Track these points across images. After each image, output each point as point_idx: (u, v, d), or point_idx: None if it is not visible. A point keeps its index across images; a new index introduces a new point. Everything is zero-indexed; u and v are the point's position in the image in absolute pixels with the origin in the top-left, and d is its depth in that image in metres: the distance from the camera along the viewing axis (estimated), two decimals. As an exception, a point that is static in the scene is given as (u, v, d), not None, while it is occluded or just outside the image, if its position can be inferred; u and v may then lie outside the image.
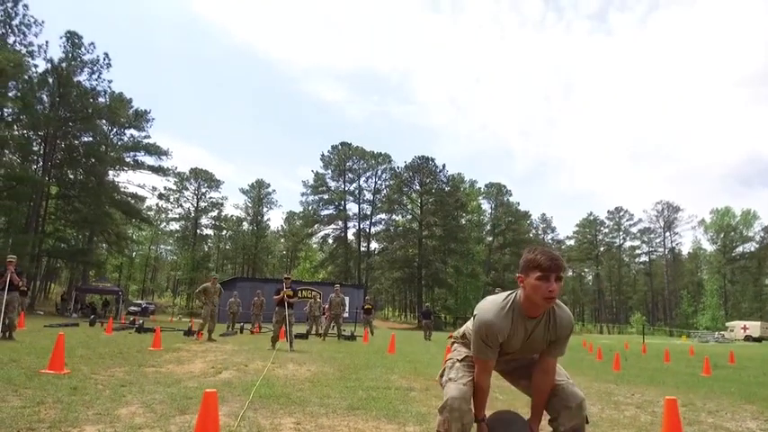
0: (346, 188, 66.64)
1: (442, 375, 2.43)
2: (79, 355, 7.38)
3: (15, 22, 33.85)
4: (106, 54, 39.73)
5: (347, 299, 24.18)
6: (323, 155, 66.49)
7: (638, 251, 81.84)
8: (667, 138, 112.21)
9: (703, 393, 6.69)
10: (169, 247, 73.09)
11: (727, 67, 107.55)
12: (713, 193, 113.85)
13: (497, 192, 72.33)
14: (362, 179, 67.20)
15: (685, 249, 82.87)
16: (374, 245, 68.36)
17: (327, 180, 66.73)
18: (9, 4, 33.21)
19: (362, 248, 67.04)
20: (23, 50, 34.12)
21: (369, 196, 67.21)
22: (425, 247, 61.12)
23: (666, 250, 78.91)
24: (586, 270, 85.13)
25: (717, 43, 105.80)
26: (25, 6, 34.17)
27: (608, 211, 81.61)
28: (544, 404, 2.24)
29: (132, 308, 39.54)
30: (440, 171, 62.71)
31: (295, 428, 3.54)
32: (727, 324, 48.31)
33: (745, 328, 43.36)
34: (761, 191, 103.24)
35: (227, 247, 73.93)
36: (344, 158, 65.98)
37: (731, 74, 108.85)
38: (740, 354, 18.98)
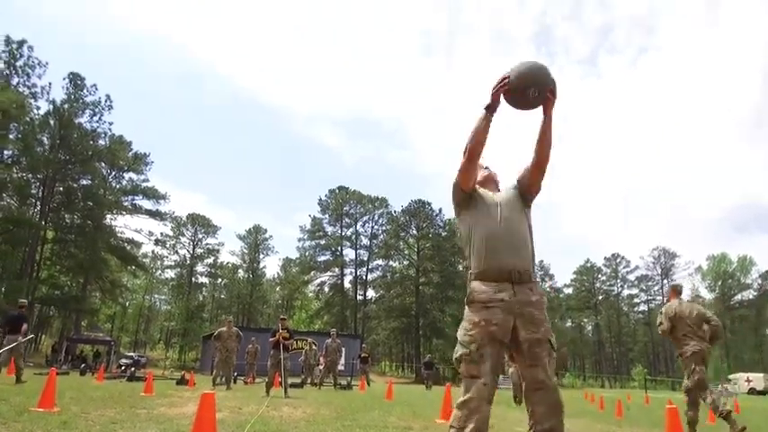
0: (343, 233, 66.62)
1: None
2: (69, 397, 7.20)
3: (19, 64, 34.54)
4: (108, 96, 40.36)
5: (343, 349, 23.79)
6: (320, 199, 66.85)
7: (636, 299, 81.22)
8: (661, 181, 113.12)
9: (709, 436, 6.54)
10: (163, 297, 72.20)
11: (719, 110, 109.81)
12: (709, 238, 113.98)
13: (495, 238, 72.24)
14: (359, 224, 67.30)
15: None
16: (371, 292, 67.75)
17: (324, 225, 66.79)
18: (14, 46, 33.98)
19: (359, 296, 66.36)
20: (26, 92, 34.67)
21: (366, 241, 67.13)
22: (423, 295, 60.54)
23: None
24: (585, 320, 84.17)
25: (709, 87, 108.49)
26: (30, 48, 34.97)
27: (605, 258, 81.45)
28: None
29: (124, 360, 38.66)
30: (436, 215, 62.91)
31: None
32: (729, 377, 47.43)
33: (748, 381, 42.56)
34: (757, 236, 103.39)
35: (222, 296, 73.03)
36: (342, 203, 66.24)
37: (723, 117, 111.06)
38: (745, 406, 18.60)
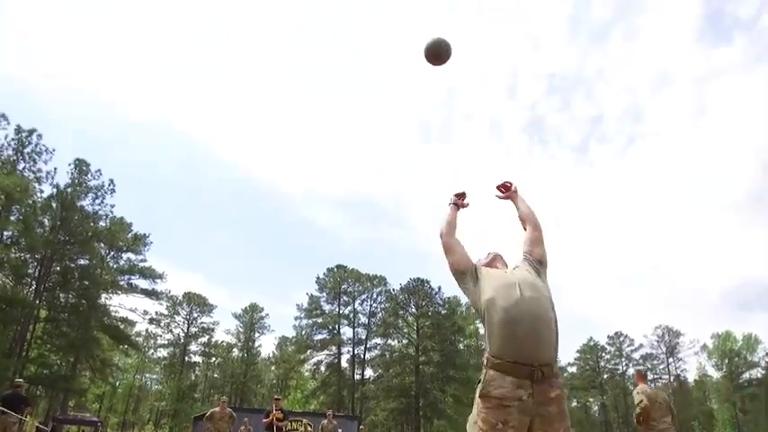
0: (341, 311, 65.72)
1: None
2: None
3: (27, 150, 35.52)
4: (111, 180, 41.07)
5: (340, 431, 22.87)
6: (318, 277, 66.47)
7: (642, 379, 79.03)
8: (662, 262, 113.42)
9: None
10: (155, 376, 70.15)
11: (713, 193, 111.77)
12: (712, 316, 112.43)
13: (494, 316, 71.32)
14: (357, 302, 66.53)
15: (691, 376, 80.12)
16: (369, 372, 65.83)
17: (322, 303, 66.01)
18: (24, 134, 35.14)
19: (357, 376, 64.46)
20: (32, 176, 35.43)
21: (364, 320, 66.08)
22: (423, 374, 58.85)
23: (672, 378, 76.31)
24: (591, 399, 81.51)
25: (702, 170, 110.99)
26: (39, 136, 36.09)
27: (608, 336, 79.96)
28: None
29: (111, 442, 37.03)
30: (435, 293, 62.40)
31: None
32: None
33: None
34: (760, 314, 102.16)
35: (216, 375, 71.00)
36: (340, 281, 65.87)
37: (718, 199, 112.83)
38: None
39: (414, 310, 62.64)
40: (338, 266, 66.57)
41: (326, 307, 66.10)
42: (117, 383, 63.29)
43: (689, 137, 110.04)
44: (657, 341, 76.68)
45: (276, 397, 11.51)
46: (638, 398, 6.69)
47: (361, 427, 23.86)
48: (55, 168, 38.37)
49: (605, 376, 78.32)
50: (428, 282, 62.59)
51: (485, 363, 2.17)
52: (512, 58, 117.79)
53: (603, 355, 79.64)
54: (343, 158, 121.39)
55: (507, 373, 2.06)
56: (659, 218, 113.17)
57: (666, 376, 76.80)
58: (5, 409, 9.92)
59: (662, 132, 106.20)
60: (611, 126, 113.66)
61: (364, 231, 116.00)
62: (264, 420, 10.53)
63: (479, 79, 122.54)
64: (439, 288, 62.59)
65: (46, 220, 38.05)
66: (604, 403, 76.53)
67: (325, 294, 66.28)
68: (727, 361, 68.98)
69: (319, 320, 65.58)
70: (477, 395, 2.11)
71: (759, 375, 68.36)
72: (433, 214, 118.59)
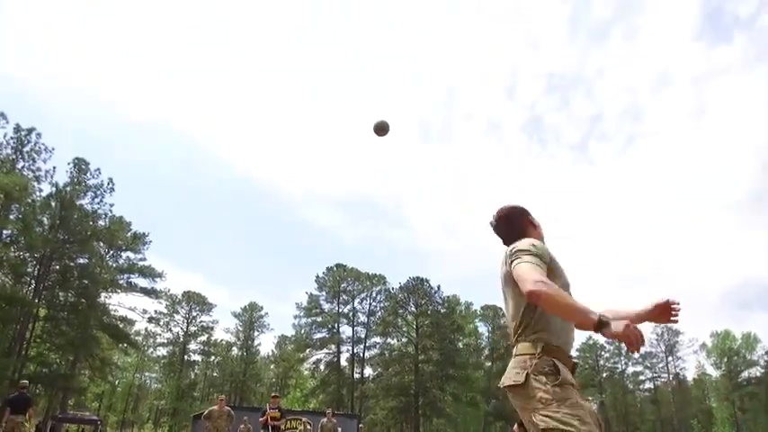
0: (340, 310, 65.77)
1: None
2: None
3: (26, 149, 35.49)
4: (110, 179, 41.07)
5: (340, 429, 22.87)
6: (317, 276, 66.51)
7: (642, 377, 79.02)
8: (662, 262, 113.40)
9: None
10: (154, 375, 70.20)
11: (713, 193, 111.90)
12: (712, 316, 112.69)
13: (494, 314, 71.28)
14: (357, 301, 66.59)
15: (690, 375, 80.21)
16: (368, 370, 65.91)
17: (321, 302, 66.08)
18: (23, 133, 35.11)
19: (356, 375, 64.53)
20: (31, 175, 35.39)
21: (363, 318, 66.14)
22: (422, 373, 58.89)
23: (671, 376, 76.38)
24: (590, 398, 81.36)
25: (702, 170, 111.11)
26: (38, 135, 36.07)
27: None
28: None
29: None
30: (435, 292, 62.45)
31: None
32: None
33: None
34: (760, 314, 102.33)
35: (215, 374, 71.03)
36: (339, 280, 65.91)
37: (718, 199, 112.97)
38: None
39: (413, 308, 62.69)
40: (338, 265, 66.60)
41: (326, 306, 66.22)
42: (116, 382, 63.39)
43: (689, 136, 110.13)
44: (657, 340, 76.74)
45: (274, 394, 11.40)
46: None
47: (360, 425, 23.86)
48: (54, 167, 38.40)
49: (604, 375, 78.41)
50: (427, 281, 62.70)
51: (538, 349, 1.92)
52: (511, 58, 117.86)
53: (603, 353, 79.70)
54: (343, 158, 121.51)
55: (563, 361, 1.92)
56: (659, 218, 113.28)
57: (666, 375, 76.90)
58: (13, 410, 10.57)
59: (662, 132, 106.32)
60: (611, 125, 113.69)
61: (364, 231, 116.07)
62: (261, 419, 10.39)
63: (479, 79, 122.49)
64: (438, 287, 62.73)
65: (45, 219, 38.02)
66: (603, 401, 76.55)
67: (324, 293, 66.37)
68: (726, 360, 69.10)
69: (319, 319, 65.66)
70: (549, 386, 1.80)
71: (758, 374, 68.51)
72: (432, 214, 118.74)
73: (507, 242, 2.27)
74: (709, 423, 65.05)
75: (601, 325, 1.80)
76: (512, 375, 1.86)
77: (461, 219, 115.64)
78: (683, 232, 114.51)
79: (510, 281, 2.03)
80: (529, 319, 1.99)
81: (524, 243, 2.07)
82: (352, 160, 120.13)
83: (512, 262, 1.99)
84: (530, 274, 1.84)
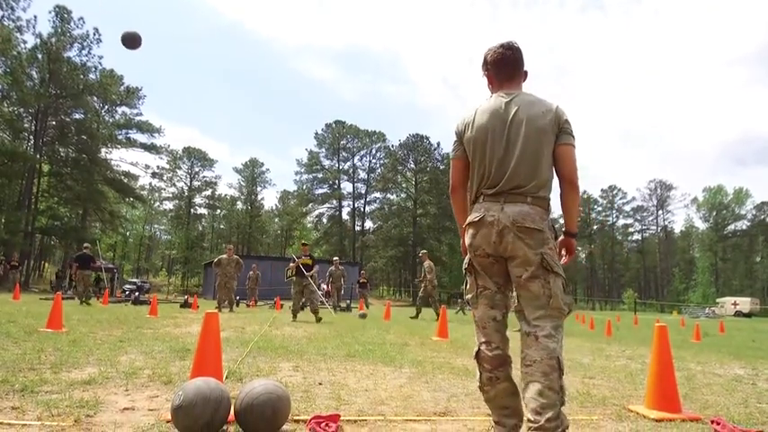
0: (340, 167, 66.49)
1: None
2: (77, 319, 7.43)
3: (2, -3, 33.12)
4: (96, 29, 39.00)
5: (346, 274, 24.32)
6: (317, 133, 66.20)
7: (630, 229, 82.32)
8: (662, 117, 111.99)
9: (693, 352, 6.83)
10: (163, 227, 72.92)
11: (720, 46, 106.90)
12: (707, 171, 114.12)
13: (492, 170, 72.10)
14: (357, 158, 67.06)
15: (678, 227, 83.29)
16: (369, 224, 68.51)
17: (321, 159, 66.57)
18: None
19: (357, 227, 67.13)
20: (11, 25, 33.48)
21: (363, 175, 67.17)
22: (420, 226, 61.23)
23: (659, 228, 79.42)
24: (579, 248, 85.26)
25: (710, 22, 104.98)
26: (13, -21, 33.42)
27: (601, 190, 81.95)
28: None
29: (127, 286, 39.58)
30: (434, 149, 62.60)
31: (294, 369, 3.60)
32: (717, 300, 48.92)
33: (735, 304, 43.90)
34: (755, 169, 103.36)
35: (222, 226, 73.74)
36: (338, 137, 65.67)
37: (725, 53, 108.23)
38: (730, 326, 19.29)
39: (412, 165, 63.28)
40: (337, 122, 65.88)
41: (326, 162, 66.80)
42: (127, 234, 65.98)
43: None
44: (649, 194, 78.53)
45: (303, 242, 11.85)
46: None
47: (362, 272, 25.37)
48: (35, 16, 36.37)
49: (595, 227, 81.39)
50: (427, 138, 62.50)
51: (549, 206, 2.14)
52: None
53: (595, 207, 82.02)
54: (339, 8, 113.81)
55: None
56: (665, 71, 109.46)
57: (654, 227, 79.91)
58: (80, 266, 13.88)
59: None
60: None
61: (363, 86, 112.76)
62: (291, 265, 10.58)
63: None
64: (438, 144, 62.67)
65: (34, 73, 36.78)
66: (591, 251, 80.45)
67: (324, 150, 66.53)
68: (714, 213, 71.23)
69: (319, 176, 66.63)
70: (552, 242, 2.04)
71: (744, 227, 71.07)
72: (432, 69, 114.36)
73: (510, 79, 2.15)
74: (690, 271, 69.09)
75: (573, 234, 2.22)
76: (535, 220, 1.99)
77: (463, 73, 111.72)
78: (687, 86, 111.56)
79: (553, 137, 2.03)
80: (551, 181, 2.11)
81: (570, 118, 2.08)
82: (348, 10, 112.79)
83: (569, 134, 2.05)
84: (576, 166, 2.07)
